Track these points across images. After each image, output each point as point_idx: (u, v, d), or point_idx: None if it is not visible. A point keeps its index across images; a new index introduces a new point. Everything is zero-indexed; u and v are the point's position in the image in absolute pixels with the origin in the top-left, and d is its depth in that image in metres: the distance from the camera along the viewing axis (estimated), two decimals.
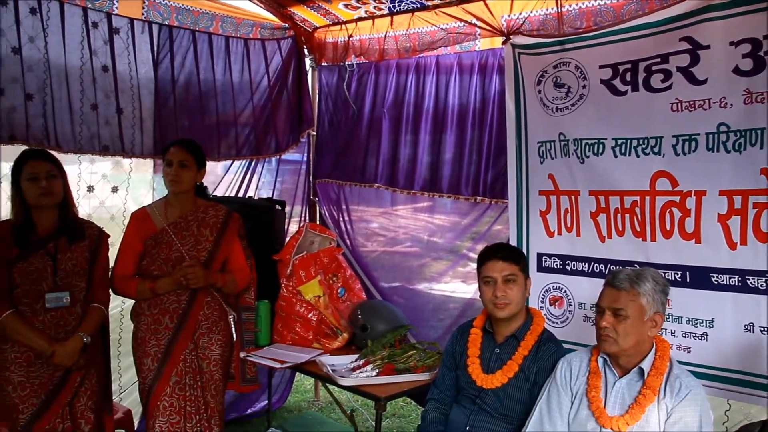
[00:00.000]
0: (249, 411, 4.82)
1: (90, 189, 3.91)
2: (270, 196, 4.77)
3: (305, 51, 4.76)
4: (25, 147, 3.31)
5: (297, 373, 5.11)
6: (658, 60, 2.88)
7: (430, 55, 4.08)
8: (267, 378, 4.46)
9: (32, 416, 2.84)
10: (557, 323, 3.34)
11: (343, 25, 4.37)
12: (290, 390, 5.24)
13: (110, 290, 3.18)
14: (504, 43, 3.53)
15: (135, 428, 3.71)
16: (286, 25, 4.60)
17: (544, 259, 3.40)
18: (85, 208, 3.81)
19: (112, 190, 4.01)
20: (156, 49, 4.05)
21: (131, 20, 3.91)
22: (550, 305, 3.38)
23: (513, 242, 3.47)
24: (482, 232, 3.94)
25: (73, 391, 2.95)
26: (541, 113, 3.36)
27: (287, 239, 4.26)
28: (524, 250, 3.40)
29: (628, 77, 3.00)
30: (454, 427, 2.79)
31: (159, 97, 4.09)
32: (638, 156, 2.98)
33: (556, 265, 3.35)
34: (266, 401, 4.67)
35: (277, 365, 3.61)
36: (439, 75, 4.08)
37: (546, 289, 3.39)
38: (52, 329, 2.89)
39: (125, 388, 4.09)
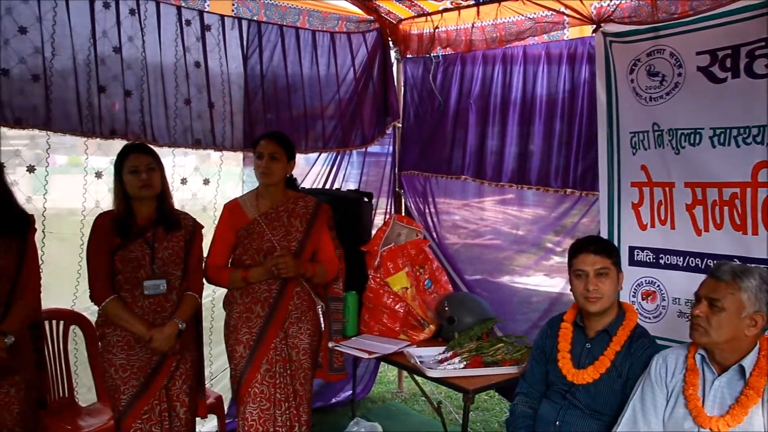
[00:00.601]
0: (333, 400, 4.89)
1: (183, 181, 4.04)
2: (356, 188, 4.81)
3: (390, 43, 4.78)
4: (125, 141, 3.47)
5: (381, 364, 5.15)
6: (763, 44, 2.73)
7: (518, 45, 4.02)
8: (352, 368, 4.50)
9: (132, 397, 2.96)
10: (650, 318, 3.24)
11: (428, 17, 4.35)
12: (374, 381, 5.27)
13: (203, 279, 3.27)
14: (594, 31, 3.44)
15: (225, 413, 3.83)
16: (372, 17, 4.62)
17: (636, 253, 3.30)
18: (177, 200, 3.91)
19: (203, 182, 4.13)
20: (245, 44, 4.14)
21: (222, 17, 4.00)
22: (642, 300, 3.28)
23: (604, 235, 3.38)
24: (569, 226, 3.87)
25: (169, 375, 3.05)
26: (634, 103, 3.26)
27: (374, 231, 4.29)
28: (615, 244, 3.31)
29: (727, 63, 2.87)
30: (543, 421, 2.75)
31: (248, 92, 4.18)
32: (738, 146, 2.84)
33: (649, 258, 3.25)
34: (351, 391, 4.70)
35: (365, 355, 3.64)
36: (527, 65, 4.01)
37: (638, 284, 3.30)
38: (150, 315, 3.00)
39: (216, 375, 4.22)
